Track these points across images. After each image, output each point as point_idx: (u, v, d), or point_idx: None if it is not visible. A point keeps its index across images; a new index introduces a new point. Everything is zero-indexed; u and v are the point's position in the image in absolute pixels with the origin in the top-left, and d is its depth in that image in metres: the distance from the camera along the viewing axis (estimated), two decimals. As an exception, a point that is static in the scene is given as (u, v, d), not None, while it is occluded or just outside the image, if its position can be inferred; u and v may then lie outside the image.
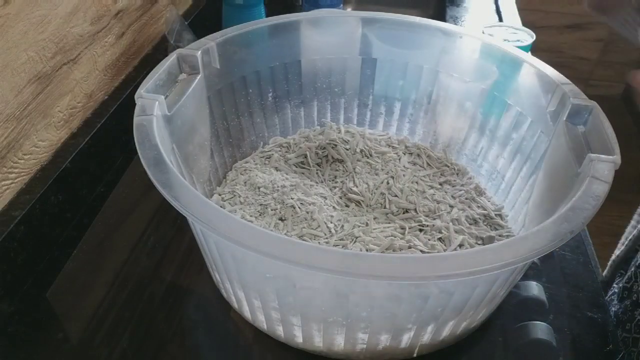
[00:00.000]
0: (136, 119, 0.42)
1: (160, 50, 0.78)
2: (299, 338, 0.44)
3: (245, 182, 0.58)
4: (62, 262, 0.53)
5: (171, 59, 0.48)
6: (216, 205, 0.35)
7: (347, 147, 0.62)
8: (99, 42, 0.64)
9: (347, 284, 0.36)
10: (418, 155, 0.63)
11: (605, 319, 0.49)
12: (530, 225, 0.48)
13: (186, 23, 0.75)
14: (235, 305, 0.48)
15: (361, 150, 0.62)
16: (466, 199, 0.58)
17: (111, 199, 0.60)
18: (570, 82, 0.49)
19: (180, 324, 0.48)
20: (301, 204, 0.53)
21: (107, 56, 0.66)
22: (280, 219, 0.53)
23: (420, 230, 0.53)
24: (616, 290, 0.52)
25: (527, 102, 0.54)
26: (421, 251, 0.49)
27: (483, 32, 0.77)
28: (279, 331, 0.45)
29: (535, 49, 0.86)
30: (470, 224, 0.54)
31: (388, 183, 0.58)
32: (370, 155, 0.62)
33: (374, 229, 0.52)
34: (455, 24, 0.94)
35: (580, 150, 0.42)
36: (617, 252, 0.64)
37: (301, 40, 0.60)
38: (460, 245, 0.50)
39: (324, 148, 0.62)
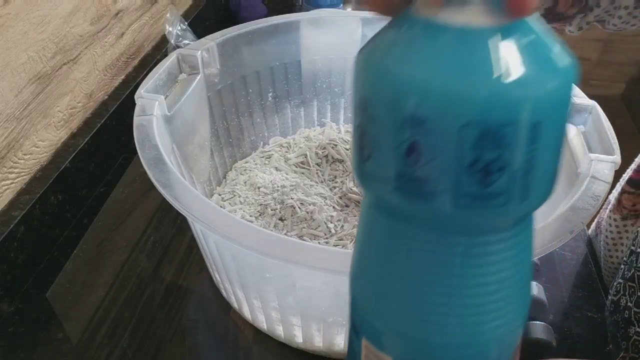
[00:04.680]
0: (136, 119, 0.42)
1: (160, 50, 0.78)
2: (298, 338, 0.44)
3: (245, 182, 0.58)
4: (62, 262, 0.53)
5: (171, 59, 0.48)
6: (216, 205, 0.35)
7: (347, 147, 0.62)
8: (99, 42, 0.64)
9: (347, 284, 0.36)
10: (418, 155, 0.63)
11: (605, 319, 0.49)
12: (530, 225, 0.48)
13: (186, 23, 0.75)
14: (235, 305, 0.48)
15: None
16: (466, 199, 0.57)
17: (111, 199, 0.60)
18: (570, 82, 0.49)
19: (180, 324, 0.48)
20: (301, 204, 0.53)
21: (107, 56, 0.66)
22: (280, 219, 0.53)
23: (420, 230, 0.52)
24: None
25: (527, 102, 0.54)
26: (421, 251, 0.49)
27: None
28: (279, 331, 0.45)
29: (535, 49, 0.85)
30: (470, 224, 0.54)
31: (388, 183, 0.57)
32: (370, 155, 0.62)
33: (374, 229, 0.52)
34: (455, 24, 0.94)
35: (580, 150, 0.42)
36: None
37: (301, 40, 0.60)
38: (460, 245, 0.50)
39: (324, 148, 0.62)
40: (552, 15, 0.46)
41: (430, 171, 0.18)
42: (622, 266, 0.50)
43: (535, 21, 0.18)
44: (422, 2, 0.18)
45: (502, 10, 0.17)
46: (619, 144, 0.41)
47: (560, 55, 0.17)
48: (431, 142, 0.17)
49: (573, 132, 0.45)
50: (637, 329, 0.45)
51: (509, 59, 0.16)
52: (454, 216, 0.18)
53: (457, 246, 0.19)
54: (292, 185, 0.56)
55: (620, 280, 0.49)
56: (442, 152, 0.17)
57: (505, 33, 0.17)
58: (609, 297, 0.51)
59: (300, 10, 0.98)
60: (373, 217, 0.21)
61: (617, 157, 0.40)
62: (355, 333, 0.24)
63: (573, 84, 0.18)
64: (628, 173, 0.58)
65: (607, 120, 0.44)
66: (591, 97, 0.46)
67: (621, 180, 0.59)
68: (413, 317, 0.21)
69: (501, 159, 0.17)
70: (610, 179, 0.38)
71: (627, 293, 0.48)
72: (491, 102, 0.16)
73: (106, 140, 0.64)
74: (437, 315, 0.20)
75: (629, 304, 0.47)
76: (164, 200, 0.36)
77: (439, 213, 0.18)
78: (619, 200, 0.58)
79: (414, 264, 0.20)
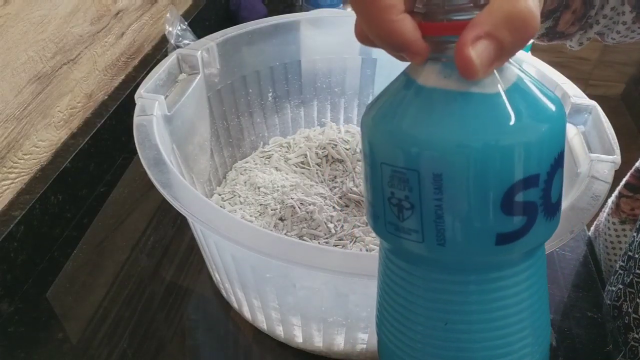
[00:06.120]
0: (136, 119, 0.42)
1: (160, 50, 0.78)
2: (298, 338, 0.44)
3: (245, 182, 0.58)
4: (62, 262, 0.53)
5: (171, 59, 0.48)
6: (216, 205, 0.35)
7: (347, 147, 0.62)
8: (99, 42, 0.64)
9: (347, 284, 0.36)
10: (418, 155, 0.63)
11: (604, 319, 0.49)
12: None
13: (186, 23, 0.75)
14: (235, 305, 0.48)
15: (361, 150, 0.62)
16: (466, 199, 0.57)
17: (111, 199, 0.60)
18: (570, 82, 0.49)
19: (180, 324, 0.48)
20: (301, 204, 0.53)
21: (107, 56, 0.66)
22: (280, 219, 0.53)
23: (420, 230, 0.52)
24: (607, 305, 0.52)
25: (527, 102, 0.54)
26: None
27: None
28: (279, 331, 0.45)
29: (535, 49, 0.86)
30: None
31: (388, 183, 0.57)
32: (370, 155, 0.62)
33: (374, 229, 0.52)
34: (455, 24, 0.93)
35: (580, 150, 0.42)
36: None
37: (301, 40, 0.60)
38: (460, 245, 0.50)
39: (324, 148, 0.62)
40: (553, 34, 0.46)
41: (371, 196, 0.21)
42: (622, 271, 0.50)
43: (493, 83, 0.18)
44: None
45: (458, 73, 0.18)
46: (619, 144, 0.41)
47: (491, 121, 0.18)
48: (369, 173, 0.21)
49: (573, 132, 0.45)
50: (635, 335, 0.45)
51: (419, 113, 0.19)
52: (386, 240, 0.21)
53: (449, 283, 0.20)
54: (292, 185, 0.56)
55: (621, 286, 0.49)
56: (373, 182, 0.20)
57: (441, 91, 0.19)
58: (609, 302, 0.51)
59: (300, 10, 0.98)
60: (388, 260, 0.22)
61: (617, 157, 0.40)
62: None
63: (482, 151, 0.18)
64: (626, 177, 0.58)
65: (607, 120, 0.44)
66: (591, 97, 0.46)
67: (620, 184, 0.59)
68: (437, 356, 0.22)
69: (409, 199, 0.19)
70: (610, 178, 0.38)
71: (627, 299, 0.48)
72: (398, 148, 0.19)
73: (106, 140, 0.64)
74: (457, 352, 0.21)
75: (629, 309, 0.47)
76: (164, 200, 0.36)
77: (380, 235, 0.21)
78: (617, 204, 0.58)
79: (419, 302, 0.21)
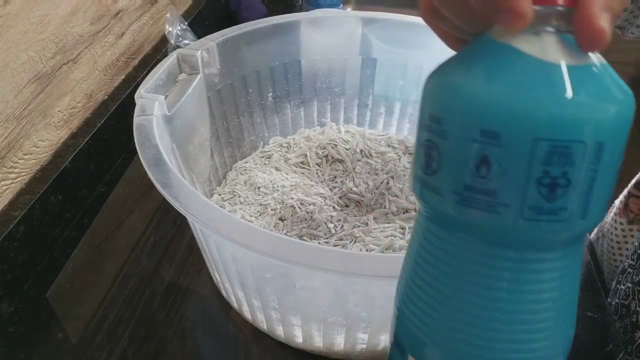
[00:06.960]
0: (136, 119, 0.42)
1: (160, 50, 0.78)
2: (298, 338, 0.44)
3: (245, 182, 0.58)
4: (62, 262, 0.53)
5: (171, 59, 0.49)
6: (216, 205, 0.35)
7: (347, 147, 0.62)
8: (99, 42, 0.64)
9: (347, 284, 0.36)
10: (418, 155, 0.63)
11: (605, 319, 0.49)
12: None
13: (186, 23, 0.75)
14: (235, 305, 0.48)
15: (361, 150, 0.62)
16: (466, 199, 0.57)
17: (111, 199, 0.60)
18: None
19: (180, 324, 0.48)
20: (301, 204, 0.53)
21: (107, 56, 0.66)
22: (280, 219, 0.53)
23: (420, 230, 0.52)
24: (612, 304, 0.52)
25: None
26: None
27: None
28: (279, 331, 0.45)
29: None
30: (470, 224, 0.54)
31: (388, 183, 0.58)
32: (370, 155, 0.62)
33: (374, 229, 0.52)
34: (455, 24, 0.93)
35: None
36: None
37: (301, 40, 0.60)
38: (460, 245, 0.50)
39: (324, 148, 0.62)
40: None
41: (499, 184, 0.19)
42: (631, 270, 0.49)
43: (598, 57, 0.19)
44: (501, 29, 0.19)
45: (576, 43, 0.18)
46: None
47: (621, 88, 0.19)
48: (502, 156, 0.18)
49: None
50: None
51: (580, 85, 0.18)
52: (516, 229, 0.19)
53: (511, 261, 0.20)
54: (292, 185, 0.56)
55: (630, 285, 0.49)
56: (513, 165, 0.18)
57: (578, 63, 0.19)
58: (617, 300, 0.50)
59: (300, 10, 0.98)
60: (429, 232, 0.22)
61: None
62: (399, 349, 0.24)
63: (631, 115, 0.19)
64: (636, 177, 0.58)
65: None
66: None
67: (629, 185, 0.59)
68: (462, 333, 0.21)
69: (567, 174, 0.18)
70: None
71: (636, 297, 0.47)
72: (563, 120, 0.18)
73: (106, 140, 0.64)
74: (486, 331, 0.21)
75: (638, 308, 0.47)
76: (164, 200, 0.36)
77: (502, 226, 0.19)
78: (625, 204, 0.58)
79: (467, 278, 0.21)
